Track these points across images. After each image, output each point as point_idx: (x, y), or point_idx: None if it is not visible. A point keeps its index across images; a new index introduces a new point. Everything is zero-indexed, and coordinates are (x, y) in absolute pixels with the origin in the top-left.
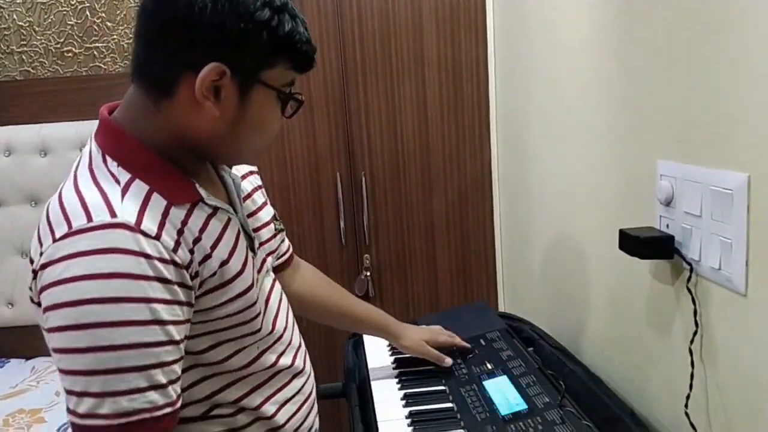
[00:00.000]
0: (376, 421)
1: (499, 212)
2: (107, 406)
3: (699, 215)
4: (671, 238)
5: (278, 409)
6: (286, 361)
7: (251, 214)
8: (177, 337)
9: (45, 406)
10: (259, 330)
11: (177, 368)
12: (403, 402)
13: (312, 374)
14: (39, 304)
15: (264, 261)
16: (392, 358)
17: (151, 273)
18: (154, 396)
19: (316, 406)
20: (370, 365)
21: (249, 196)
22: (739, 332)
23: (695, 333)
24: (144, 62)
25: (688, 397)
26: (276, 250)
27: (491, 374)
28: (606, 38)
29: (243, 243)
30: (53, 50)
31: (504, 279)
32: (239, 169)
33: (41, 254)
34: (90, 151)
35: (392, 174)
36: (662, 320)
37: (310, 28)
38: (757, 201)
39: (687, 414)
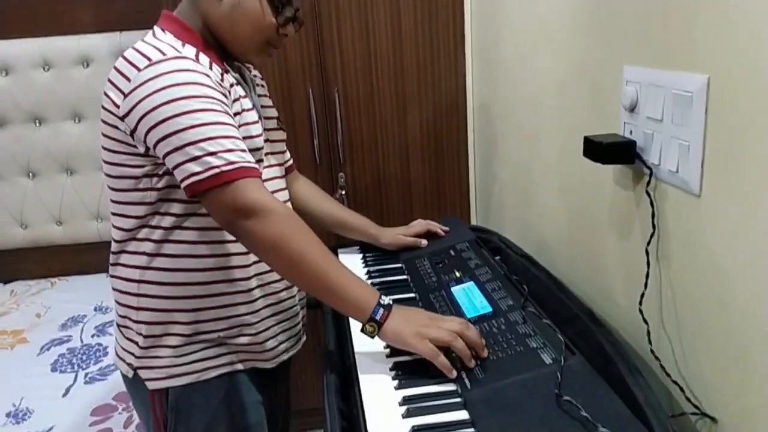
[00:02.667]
0: (349, 329)
1: (472, 128)
2: (216, 160)
3: (660, 120)
4: (633, 143)
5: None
6: None
7: (263, 107)
8: (234, 124)
9: (26, 327)
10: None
11: (241, 144)
12: None
13: None
14: (122, 118)
15: (267, 142)
16: (365, 270)
17: (207, 81)
18: (242, 154)
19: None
20: None
21: (263, 96)
22: (692, 232)
23: (652, 235)
24: None
25: (642, 295)
26: (280, 140)
27: (459, 281)
28: None
29: (255, 112)
30: None
31: (477, 195)
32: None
33: (128, 80)
34: (153, 30)
35: (366, 90)
36: (623, 224)
37: None
38: (715, 102)
39: (641, 310)
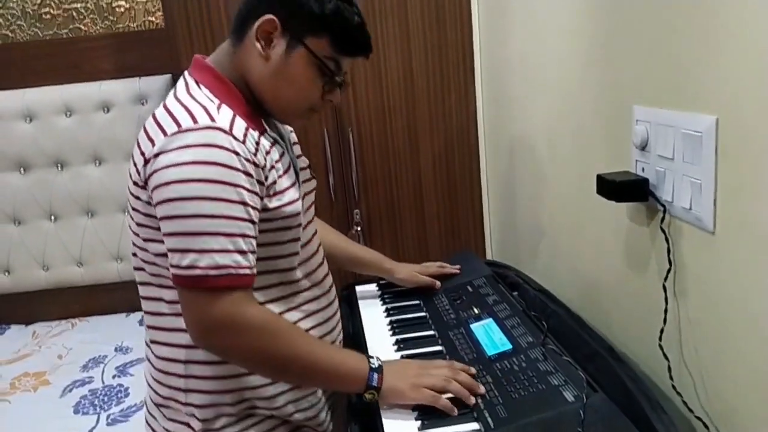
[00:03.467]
0: None
1: (485, 161)
2: (204, 260)
3: (671, 158)
4: (645, 181)
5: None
6: (316, 277)
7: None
8: (255, 219)
9: (49, 369)
10: (299, 239)
11: (254, 243)
12: (395, 347)
13: (334, 296)
14: (143, 187)
15: (305, 196)
16: (383, 308)
17: (239, 166)
18: (238, 257)
19: (339, 330)
20: (363, 316)
21: (294, 144)
22: (708, 269)
23: (669, 270)
24: (237, 13)
25: (662, 330)
26: (312, 191)
27: (478, 318)
28: None
29: (292, 172)
30: (30, 12)
31: (491, 227)
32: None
33: (153, 145)
34: (186, 82)
35: (379, 128)
36: (639, 259)
37: None
38: (725, 142)
39: (661, 346)
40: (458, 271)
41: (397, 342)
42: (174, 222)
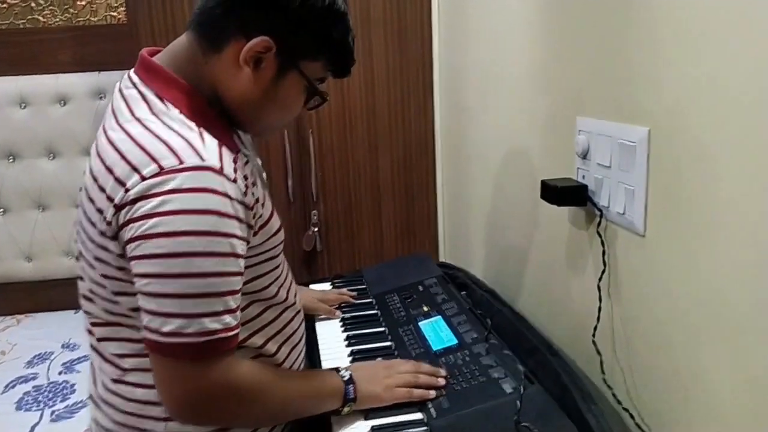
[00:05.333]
0: (320, 361)
1: (441, 168)
2: (193, 326)
3: (609, 166)
4: (585, 187)
5: (278, 348)
6: (291, 297)
7: None
8: (243, 270)
9: None
10: (280, 266)
11: (240, 297)
12: (346, 342)
13: (303, 313)
14: (113, 238)
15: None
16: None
17: (232, 212)
18: (229, 318)
19: (304, 347)
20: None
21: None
22: (639, 269)
23: (603, 271)
24: (208, 14)
25: (595, 327)
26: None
27: (427, 316)
28: (534, 4)
29: (267, 195)
30: None
31: (445, 231)
32: None
33: (126, 190)
34: (143, 96)
35: (339, 134)
36: (578, 261)
37: None
38: (656, 152)
39: (594, 342)
40: (355, 298)
41: (348, 338)
42: (157, 282)
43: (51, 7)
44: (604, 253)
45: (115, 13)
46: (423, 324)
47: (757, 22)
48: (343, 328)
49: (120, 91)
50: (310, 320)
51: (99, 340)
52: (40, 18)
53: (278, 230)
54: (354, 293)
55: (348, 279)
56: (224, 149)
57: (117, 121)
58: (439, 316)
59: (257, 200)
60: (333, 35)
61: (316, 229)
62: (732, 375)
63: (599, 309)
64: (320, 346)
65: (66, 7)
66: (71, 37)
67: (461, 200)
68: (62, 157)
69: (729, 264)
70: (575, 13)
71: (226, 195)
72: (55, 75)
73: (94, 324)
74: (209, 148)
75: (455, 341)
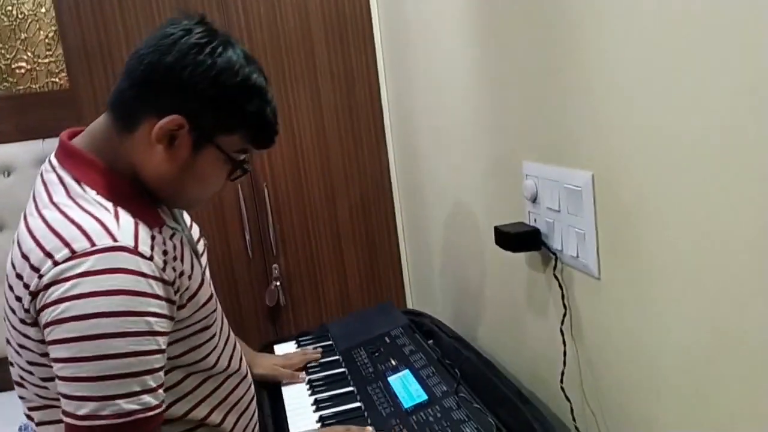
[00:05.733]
0: (287, 428)
1: (400, 213)
2: (108, 408)
3: (558, 210)
4: (537, 231)
5: (224, 417)
6: (234, 364)
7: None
8: (164, 347)
9: None
10: (216, 335)
11: (162, 374)
12: (314, 407)
13: (251, 378)
14: (32, 324)
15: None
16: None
17: (148, 290)
18: (147, 398)
19: (257, 413)
20: None
21: (181, 215)
22: (598, 312)
23: (564, 315)
24: (121, 95)
25: (563, 373)
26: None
27: (395, 370)
28: (475, 50)
29: (194, 257)
30: None
31: (410, 277)
32: None
33: (40, 276)
34: (61, 181)
35: (295, 184)
36: (539, 304)
37: None
38: (602, 196)
39: (562, 388)
40: (320, 355)
41: (315, 402)
42: (70, 366)
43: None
44: (563, 296)
45: (56, 79)
46: (392, 379)
47: (692, 69)
48: (310, 392)
49: (41, 175)
50: (276, 387)
51: (38, 424)
52: None
53: (208, 300)
54: (319, 351)
55: (314, 336)
56: (141, 227)
57: (36, 207)
58: (407, 370)
59: (181, 274)
60: (248, 110)
61: (278, 284)
62: (691, 414)
63: (564, 353)
64: (287, 413)
65: (5, 75)
66: (12, 106)
67: (423, 244)
68: (9, 229)
69: (680, 306)
70: (515, 61)
71: (140, 273)
72: None
73: (30, 408)
74: (123, 228)
75: (425, 396)
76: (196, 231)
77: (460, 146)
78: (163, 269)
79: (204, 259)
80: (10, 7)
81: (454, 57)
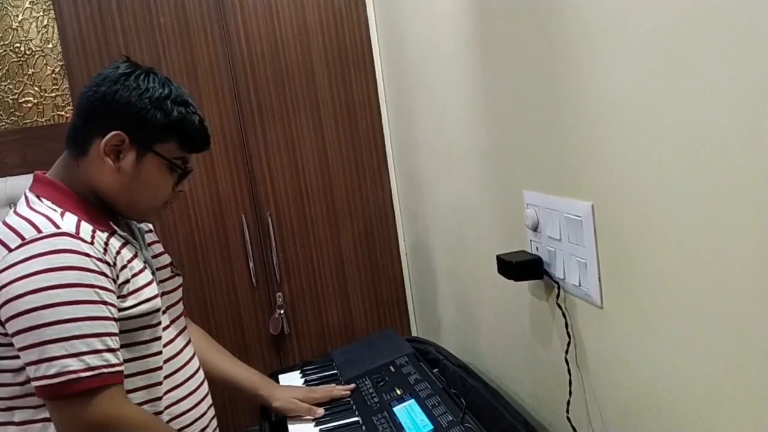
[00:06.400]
0: None
1: (404, 240)
2: (75, 363)
3: (559, 239)
4: (540, 260)
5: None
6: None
7: (155, 257)
8: (115, 316)
9: None
10: (160, 338)
11: (118, 340)
12: None
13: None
14: None
15: (165, 294)
16: None
17: (93, 267)
18: (109, 356)
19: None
20: None
21: (151, 244)
22: (601, 341)
23: (569, 343)
24: (73, 131)
25: (568, 402)
26: (175, 289)
27: (401, 399)
28: (476, 79)
29: (148, 271)
30: None
31: (414, 304)
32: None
33: None
34: (26, 197)
35: (298, 212)
36: (543, 333)
37: (201, 72)
38: (602, 226)
39: (569, 418)
40: (349, 393)
41: None
42: (33, 333)
43: None
44: (567, 324)
45: (62, 113)
46: (397, 410)
47: (693, 101)
48: (314, 422)
49: None
50: (283, 420)
51: None
52: None
53: (153, 298)
54: (350, 388)
55: (318, 365)
56: (83, 223)
57: (3, 219)
58: (413, 400)
59: (123, 267)
60: (173, 118)
61: (282, 312)
62: None
63: (570, 382)
64: None
65: (12, 110)
66: (18, 140)
67: (426, 271)
68: None
69: (682, 334)
70: (515, 91)
71: (84, 254)
72: (4, 178)
73: None
74: (66, 220)
75: (431, 426)
76: (165, 259)
77: (462, 175)
78: (104, 253)
79: (169, 285)
80: (18, 44)
81: (454, 86)
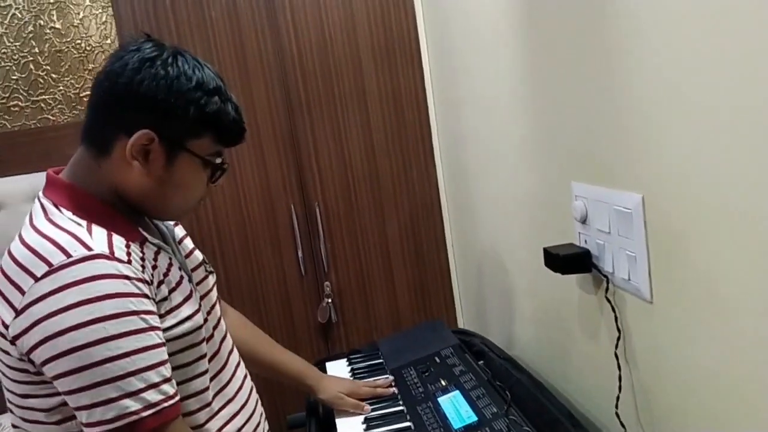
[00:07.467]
0: None
1: (450, 231)
2: (134, 403)
3: (608, 232)
4: (588, 253)
5: None
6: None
7: (186, 256)
8: (164, 340)
9: None
10: (205, 355)
11: (170, 365)
12: (364, 426)
13: (258, 410)
14: (12, 342)
15: (202, 298)
16: None
17: (134, 290)
18: (167, 387)
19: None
20: None
21: (181, 240)
22: (651, 336)
23: (618, 338)
24: (91, 125)
25: (618, 398)
26: (211, 290)
27: (445, 390)
28: (525, 70)
29: (186, 281)
30: None
31: (461, 295)
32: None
33: (23, 294)
34: (42, 206)
35: (345, 201)
36: (591, 327)
37: (252, 66)
38: (652, 219)
39: (617, 414)
40: (393, 392)
41: (366, 420)
42: (82, 375)
43: (60, 106)
44: (616, 319)
45: None
46: (442, 400)
47: (751, 86)
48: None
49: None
50: (328, 412)
51: None
52: (50, 117)
53: (194, 314)
54: (393, 391)
55: (365, 353)
56: (115, 237)
57: (19, 232)
58: (458, 391)
59: (162, 280)
60: (207, 111)
61: (329, 301)
62: None
63: (619, 378)
64: (338, 428)
65: (74, 104)
66: (79, 133)
67: (473, 263)
68: None
69: (736, 329)
70: (564, 82)
71: (123, 276)
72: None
73: None
74: (96, 237)
75: (475, 418)
76: (197, 257)
77: (509, 166)
78: (142, 271)
79: (204, 287)
80: (79, 41)
81: (502, 77)
